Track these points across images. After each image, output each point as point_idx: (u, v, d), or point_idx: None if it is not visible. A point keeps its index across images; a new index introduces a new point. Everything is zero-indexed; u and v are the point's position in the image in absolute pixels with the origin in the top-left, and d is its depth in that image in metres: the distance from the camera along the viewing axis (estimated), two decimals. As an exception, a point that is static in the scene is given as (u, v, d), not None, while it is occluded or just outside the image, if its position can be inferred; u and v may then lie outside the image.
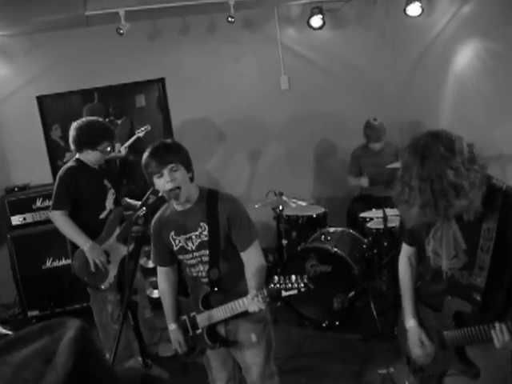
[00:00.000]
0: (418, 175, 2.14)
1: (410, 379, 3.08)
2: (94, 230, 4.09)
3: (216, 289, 2.91)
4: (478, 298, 2.35)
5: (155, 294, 5.33)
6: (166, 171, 2.74)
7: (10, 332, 2.56)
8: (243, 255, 2.93)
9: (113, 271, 4.10)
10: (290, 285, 2.55)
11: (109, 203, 4.13)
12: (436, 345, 2.60)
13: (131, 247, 3.80)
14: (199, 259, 2.95)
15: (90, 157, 4.08)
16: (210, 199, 2.90)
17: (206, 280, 2.97)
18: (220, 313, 2.87)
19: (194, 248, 2.94)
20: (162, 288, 3.17)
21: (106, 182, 4.14)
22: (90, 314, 5.19)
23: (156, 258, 3.16)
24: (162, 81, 6.45)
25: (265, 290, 2.62)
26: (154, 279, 5.31)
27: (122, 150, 5.81)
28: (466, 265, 2.40)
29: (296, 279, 2.55)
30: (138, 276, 4.41)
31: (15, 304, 5.88)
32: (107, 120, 6.82)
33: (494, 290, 2.38)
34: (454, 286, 2.48)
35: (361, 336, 4.77)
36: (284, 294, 2.57)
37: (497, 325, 2.19)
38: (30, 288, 5.51)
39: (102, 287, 4.11)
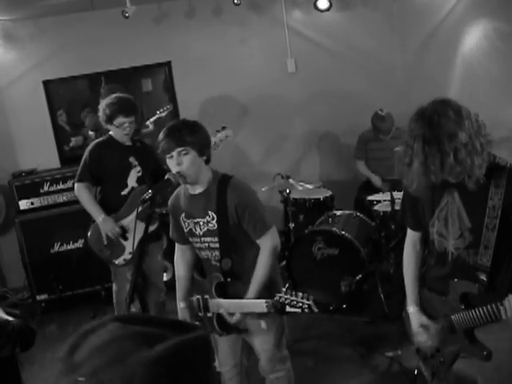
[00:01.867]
0: (423, 136, 2.14)
1: (420, 366, 3.08)
2: (115, 205, 4.14)
3: (229, 279, 2.89)
4: (484, 278, 2.34)
5: (164, 276, 5.35)
6: (175, 153, 2.73)
7: (11, 318, 2.56)
8: (259, 243, 2.90)
9: (130, 248, 4.09)
10: (294, 302, 2.51)
11: (131, 181, 4.13)
12: (445, 330, 2.57)
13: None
14: (207, 245, 2.95)
15: (114, 133, 4.14)
16: (221, 185, 2.86)
17: (216, 264, 2.95)
18: (232, 305, 2.86)
19: (201, 233, 2.93)
20: (178, 265, 3.19)
21: (131, 159, 4.13)
22: (99, 297, 5.26)
23: (173, 234, 3.17)
24: (168, 64, 6.42)
25: (270, 301, 2.62)
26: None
27: (149, 124, 6.01)
28: (471, 244, 2.39)
29: (302, 297, 2.50)
30: (159, 258, 4.40)
31: (24, 288, 5.91)
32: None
33: (499, 269, 2.38)
34: (459, 267, 2.46)
35: (368, 319, 4.76)
36: (288, 309, 2.55)
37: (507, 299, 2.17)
38: (38, 272, 5.53)
39: (116, 262, 4.16)
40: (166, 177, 2.85)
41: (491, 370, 2.49)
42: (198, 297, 2.96)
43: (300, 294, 2.51)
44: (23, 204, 5.55)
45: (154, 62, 6.41)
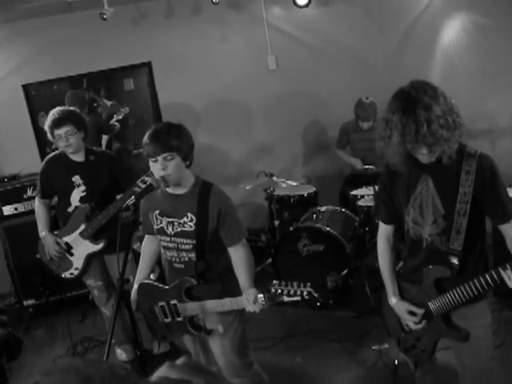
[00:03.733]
0: (401, 108, 2.24)
1: (401, 358, 3.14)
2: (64, 221, 4.19)
3: (201, 281, 2.91)
4: (456, 262, 2.43)
5: (151, 276, 5.35)
6: (160, 158, 2.74)
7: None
8: (231, 250, 2.95)
9: (77, 263, 4.18)
10: (292, 291, 2.54)
11: (74, 200, 4.10)
12: (423, 317, 2.65)
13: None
14: (176, 245, 2.95)
15: (59, 147, 4.07)
16: (203, 191, 2.88)
17: (178, 266, 2.97)
18: (208, 306, 2.86)
19: (172, 233, 2.94)
20: (144, 250, 3.22)
21: (75, 178, 4.07)
22: (86, 301, 5.26)
23: (144, 228, 3.17)
24: (148, 64, 6.40)
25: (266, 294, 2.63)
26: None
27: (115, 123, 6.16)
28: (444, 230, 2.47)
29: (299, 285, 2.55)
30: (131, 278, 4.41)
31: (10, 294, 5.89)
32: (96, 104, 6.82)
33: (470, 253, 2.47)
34: (432, 253, 2.54)
35: (355, 313, 4.81)
36: (286, 299, 2.57)
37: (507, 265, 2.24)
38: (24, 277, 5.50)
39: (63, 276, 4.25)
40: (146, 182, 2.86)
41: (468, 356, 2.59)
42: (163, 304, 2.96)
43: (295, 283, 2.55)
44: (7, 210, 5.52)
45: (134, 62, 6.38)
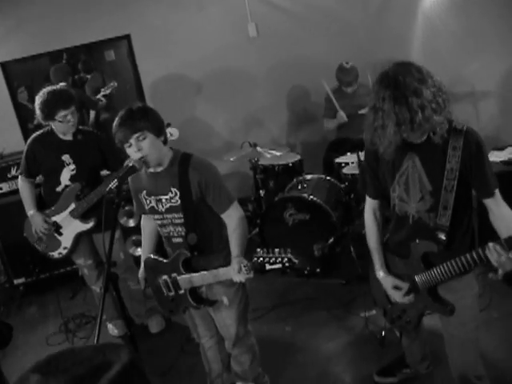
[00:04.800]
0: (392, 96, 2.18)
1: (388, 328, 3.21)
2: (52, 201, 4.17)
3: (196, 253, 2.94)
4: (444, 237, 2.44)
5: (138, 251, 5.38)
6: (132, 141, 2.73)
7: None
8: (224, 217, 2.95)
9: (65, 243, 4.20)
10: (273, 258, 2.58)
11: (64, 179, 4.08)
12: (410, 291, 2.69)
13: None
14: (170, 221, 2.97)
15: (56, 127, 4.03)
16: (182, 164, 2.88)
17: (179, 240, 3.00)
18: (202, 278, 2.90)
19: (163, 210, 2.95)
20: (144, 230, 3.27)
21: (65, 157, 4.05)
22: (76, 277, 5.29)
23: (137, 209, 3.20)
24: (127, 37, 6.30)
25: (249, 263, 2.66)
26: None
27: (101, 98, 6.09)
28: (432, 207, 2.47)
29: (279, 252, 2.58)
30: (122, 255, 4.42)
31: (0, 273, 5.90)
32: (76, 77, 6.74)
33: (457, 229, 2.49)
34: (419, 229, 2.55)
35: (342, 281, 4.87)
36: (268, 267, 2.60)
37: (490, 245, 2.24)
38: (13, 256, 5.49)
39: (51, 255, 4.26)
40: (129, 164, 2.85)
41: (456, 326, 2.65)
42: (165, 277, 3.00)
43: (276, 250, 2.59)
44: (-9, 189, 5.49)
45: (113, 35, 6.27)
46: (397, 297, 2.74)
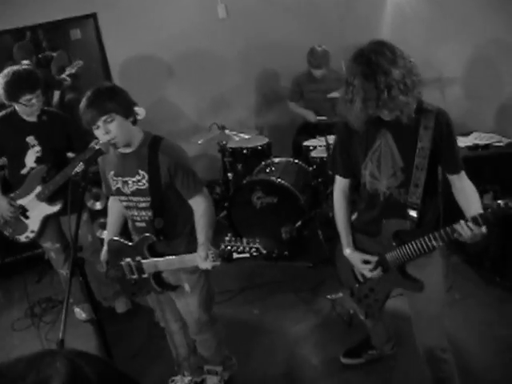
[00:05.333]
0: (363, 73, 2.25)
1: (355, 307, 3.25)
2: (16, 184, 4.08)
3: (161, 237, 2.91)
4: (415, 215, 2.51)
5: (105, 234, 5.32)
6: (100, 123, 2.68)
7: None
8: (191, 203, 2.92)
9: (32, 226, 4.13)
10: (241, 248, 2.55)
11: (29, 161, 4.00)
12: (378, 265, 2.74)
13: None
14: (134, 204, 2.94)
15: (19, 109, 3.94)
16: (152, 147, 2.84)
17: (141, 225, 2.97)
18: (168, 263, 2.88)
19: (129, 192, 2.92)
20: (110, 210, 3.23)
21: (29, 139, 3.97)
22: (41, 261, 5.22)
23: (105, 189, 3.16)
24: (93, 16, 6.17)
25: (216, 251, 2.64)
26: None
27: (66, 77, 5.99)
28: (402, 183, 2.54)
29: (248, 242, 2.55)
30: (90, 237, 4.38)
31: (-37, 258, 5.78)
32: (41, 55, 6.59)
33: (426, 207, 2.56)
34: (390, 206, 2.61)
35: (310, 264, 4.91)
36: (235, 256, 2.59)
37: (462, 222, 2.33)
38: (-23, 241, 5.40)
39: (18, 238, 4.19)
40: (95, 147, 2.81)
41: (424, 302, 2.72)
42: (129, 260, 2.97)
43: (245, 240, 2.56)
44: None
45: (79, 14, 6.13)
46: (366, 271, 2.78)
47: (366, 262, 2.76)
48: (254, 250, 2.56)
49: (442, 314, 2.81)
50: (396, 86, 2.22)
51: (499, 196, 3.98)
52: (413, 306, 2.81)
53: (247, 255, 2.57)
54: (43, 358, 0.90)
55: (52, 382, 0.84)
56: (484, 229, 2.32)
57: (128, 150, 2.86)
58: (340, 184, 2.87)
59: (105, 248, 3.14)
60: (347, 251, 2.84)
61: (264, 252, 2.57)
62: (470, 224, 2.29)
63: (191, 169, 2.90)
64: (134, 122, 2.84)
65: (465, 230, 2.31)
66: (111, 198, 3.22)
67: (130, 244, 2.99)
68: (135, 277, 3.00)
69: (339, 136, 2.75)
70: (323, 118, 5.66)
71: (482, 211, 2.33)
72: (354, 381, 3.47)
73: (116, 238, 3.08)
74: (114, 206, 3.21)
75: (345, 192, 2.86)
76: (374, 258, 2.73)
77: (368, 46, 2.34)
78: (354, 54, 2.35)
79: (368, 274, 2.79)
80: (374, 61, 2.24)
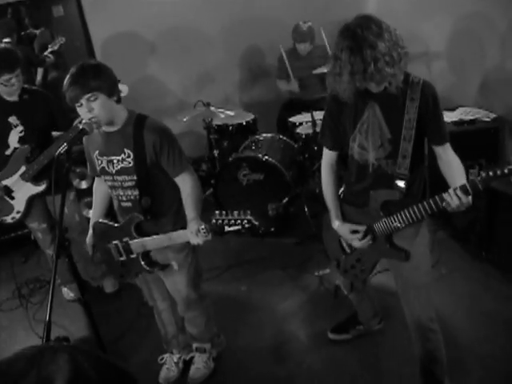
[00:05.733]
0: (349, 47, 2.30)
1: (341, 279, 3.29)
2: (0, 165, 4.01)
3: (149, 217, 2.90)
4: (403, 185, 2.56)
5: (91, 213, 5.30)
6: (83, 101, 2.65)
7: None
8: (177, 180, 2.90)
9: (18, 207, 4.09)
10: (232, 220, 2.53)
11: (12, 141, 3.93)
12: (367, 234, 2.77)
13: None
14: (119, 184, 2.91)
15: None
16: (137, 125, 2.81)
17: (126, 204, 2.95)
18: (156, 241, 2.86)
19: (113, 172, 2.89)
20: (95, 193, 3.20)
21: (12, 119, 3.90)
22: (28, 241, 5.19)
23: (90, 170, 3.13)
24: (75, -8, 6.07)
25: (207, 225, 2.62)
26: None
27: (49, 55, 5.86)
28: (390, 154, 2.58)
29: (239, 214, 2.53)
30: (77, 217, 4.35)
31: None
32: (23, 33, 6.48)
33: (413, 177, 2.61)
34: (379, 177, 2.65)
35: (297, 240, 4.93)
36: (227, 229, 2.57)
37: (450, 190, 2.37)
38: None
39: (4, 219, 4.13)
40: (79, 126, 2.77)
41: (411, 271, 2.75)
42: (116, 242, 2.96)
43: (236, 212, 2.55)
44: None
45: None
46: (356, 241, 2.80)
47: (355, 232, 2.79)
48: (245, 221, 2.54)
49: (428, 283, 2.85)
50: (382, 58, 2.26)
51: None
52: (400, 275, 2.84)
53: (239, 227, 2.55)
54: (44, 354, 0.88)
55: (56, 380, 0.83)
56: (470, 198, 2.36)
57: (112, 129, 2.83)
58: (327, 157, 2.89)
59: (90, 231, 3.12)
60: (336, 223, 2.86)
61: (256, 224, 2.56)
62: (459, 192, 2.33)
63: (177, 146, 2.88)
64: (119, 101, 2.80)
65: (453, 199, 2.35)
66: (96, 180, 3.19)
67: (117, 225, 2.98)
68: (123, 258, 2.99)
69: (328, 109, 2.77)
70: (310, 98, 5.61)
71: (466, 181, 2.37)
72: (341, 356, 3.50)
73: (102, 221, 3.06)
74: (99, 189, 3.17)
75: (332, 165, 2.88)
76: (362, 228, 2.76)
77: (354, 20, 2.37)
78: (341, 29, 2.39)
79: (357, 244, 2.80)
80: (360, 35, 2.28)
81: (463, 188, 2.33)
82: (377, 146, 2.59)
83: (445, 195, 2.38)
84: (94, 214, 3.18)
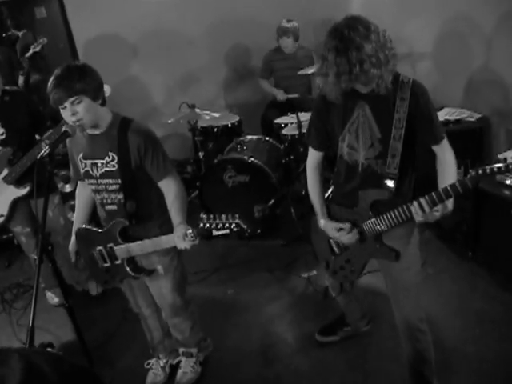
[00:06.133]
0: (336, 48, 2.30)
1: (330, 281, 3.27)
2: None
3: (134, 221, 2.86)
4: (392, 185, 2.55)
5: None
6: (67, 104, 2.61)
7: None
8: (161, 185, 2.86)
9: (1, 210, 4.01)
10: (220, 224, 2.49)
11: None
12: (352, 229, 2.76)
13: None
14: (104, 187, 2.87)
15: None
16: (122, 128, 2.77)
17: (111, 207, 2.90)
18: (142, 247, 2.82)
19: (98, 175, 2.85)
20: (78, 198, 3.15)
21: None
22: (11, 245, 5.14)
23: (73, 173, 3.08)
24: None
25: (194, 230, 2.58)
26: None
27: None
28: (380, 154, 2.57)
29: (227, 218, 2.49)
30: (62, 220, 4.29)
31: None
32: (4, 35, 6.41)
33: (403, 177, 2.61)
34: (368, 177, 2.64)
35: (283, 241, 4.91)
36: (215, 233, 2.52)
37: (420, 200, 2.39)
38: None
39: None
40: (63, 128, 2.73)
41: (401, 271, 2.75)
42: (100, 248, 2.92)
43: (223, 216, 2.51)
44: None
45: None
46: (343, 237, 2.79)
47: (341, 230, 2.78)
48: (234, 225, 2.50)
49: (417, 282, 2.84)
50: (368, 60, 2.26)
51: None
52: (389, 276, 2.84)
53: (227, 231, 2.51)
54: None
55: (7, 381, 0.81)
56: (450, 205, 2.39)
57: (97, 132, 2.79)
58: (313, 157, 2.89)
59: (73, 238, 3.06)
60: (321, 222, 2.86)
61: (245, 227, 2.52)
62: (423, 202, 2.38)
63: (161, 150, 2.84)
64: (103, 103, 2.76)
65: (417, 211, 2.40)
66: (79, 185, 3.14)
67: (101, 231, 2.93)
68: (107, 264, 2.95)
69: (316, 108, 2.77)
70: (294, 95, 5.61)
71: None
72: (329, 357, 3.48)
73: (85, 227, 3.01)
74: (82, 194, 3.12)
75: (318, 166, 2.89)
76: (346, 225, 2.75)
77: (343, 21, 2.37)
78: (330, 29, 2.39)
79: (344, 240, 2.79)
80: (347, 36, 2.27)
81: (431, 197, 2.36)
82: (367, 146, 2.59)
83: (411, 205, 2.43)
84: (77, 220, 3.12)
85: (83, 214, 3.12)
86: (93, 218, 3.15)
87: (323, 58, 2.39)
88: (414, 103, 2.47)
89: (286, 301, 4.14)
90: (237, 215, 2.52)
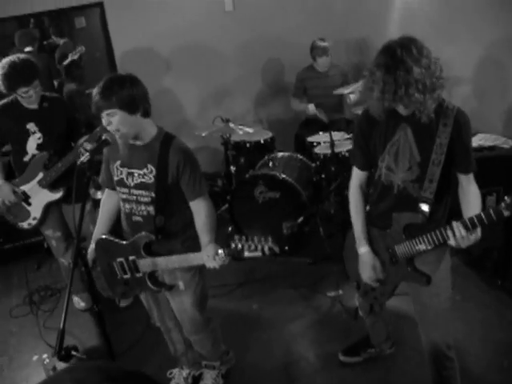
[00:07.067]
0: (386, 65, 2.30)
1: (360, 301, 3.26)
2: (20, 170, 4.06)
3: (160, 236, 2.87)
4: (427, 209, 2.53)
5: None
6: (104, 115, 2.67)
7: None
8: (193, 204, 2.89)
9: (35, 213, 4.11)
10: (253, 246, 2.49)
11: (30, 148, 3.98)
12: (387, 263, 2.76)
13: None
14: (135, 198, 2.89)
15: (19, 98, 3.89)
16: (164, 143, 2.80)
17: (137, 219, 2.92)
18: (170, 262, 2.83)
19: (132, 185, 2.88)
20: (102, 207, 3.15)
21: (30, 125, 3.93)
22: (41, 249, 5.22)
23: (103, 180, 3.10)
24: (100, 4, 6.12)
25: (226, 250, 2.59)
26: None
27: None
28: (418, 177, 2.57)
29: (259, 240, 2.49)
30: (91, 228, 4.36)
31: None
32: (46, 42, 6.55)
33: (438, 202, 2.59)
34: (403, 199, 2.63)
35: (310, 260, 4.90)
36: (247, 254, 2.52)
37: (454, 223, 2.36)
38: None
39: (21, 225, 4.16)
40: (103, 136, 2.79)
41: (431, 296, 2.74)
42: (121, 260, 2.93)
43: (256, 237, 2.50)
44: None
45: (86, 2, 6.07)
46: (367, 275, 2.80)
47: (374, 267, 2.78)
48: (267, 248, 2.49)
49: (448, 308, 2.82)
50: (414, 84, 2.25)
51: (502, 198, 3.98)
52: (419, 300, 2.82)
53: (260, 254, 2.49)
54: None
55: None
56: (478, 232, 2.36)
57: (138, 143, 2.83)
58: (357, 178, 2.87)
59: (92, 245, 3.06)
60: (362, 250, 2.83)
61: (277, 250, 2.51)
62: (459, 225, 2.35)
63: (198, 171, 2.87)
64: (146, 115, 2.77)
65: (456, 234, 2.36)
66: (106, 194, 3.15)
67: (124, 243, 2.94)
68: (128, 276, 2.96)
69: (360, 127, 2.77)
70: (323, 117, 5.59)
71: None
72: (351, 379, 3.47)
73: (106, 237, 3.01)
74: (108, 203, 3.14)
75: (361, 186, 2.87)
76: (381, 272, 2.77)
77: (398, 39, 2.37)
78: (383, 45, 2.40)
79: (365, 276, 2.81)
80: (399, 56, 2.28)
81: (464, 223, 2.33)
82: (405, 169, 2.59)
83: (448, 229, 2.39)
84: (99, 228, 3.11)
85: (106, 224, 3.12)
86: (114, 229, 3.15)
87: (371, 72, 2.40)
88: (456, 131, 2.47)
89: (309, 319, 4.12)
90: (270, 238, 2.50)
